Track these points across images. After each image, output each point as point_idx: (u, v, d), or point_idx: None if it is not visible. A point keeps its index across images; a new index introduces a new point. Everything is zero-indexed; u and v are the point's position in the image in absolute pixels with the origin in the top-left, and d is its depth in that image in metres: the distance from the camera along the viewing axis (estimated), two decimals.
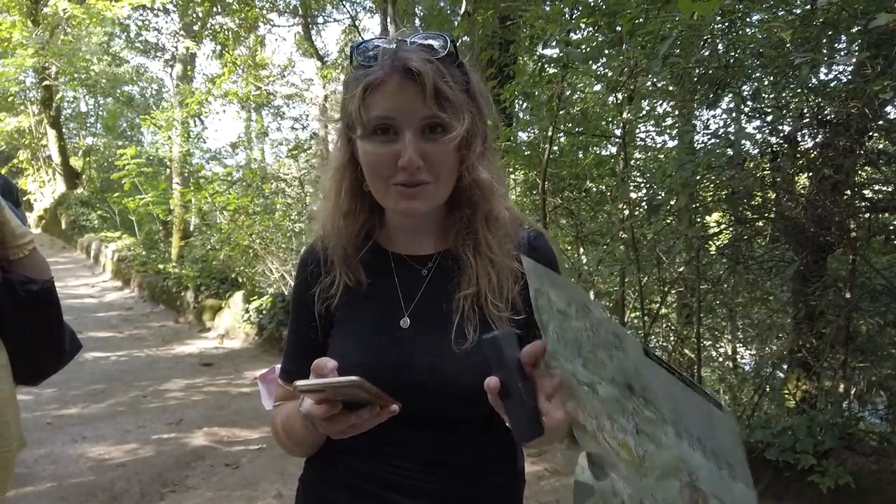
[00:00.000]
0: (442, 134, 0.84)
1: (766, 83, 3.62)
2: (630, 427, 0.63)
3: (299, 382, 0.72)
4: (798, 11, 3.53)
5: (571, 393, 0.68)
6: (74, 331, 1.63)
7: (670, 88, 4.44)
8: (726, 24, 3.37)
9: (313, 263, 0.98)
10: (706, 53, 3.57)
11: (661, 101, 5.47)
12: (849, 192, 3.83)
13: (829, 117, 3.47)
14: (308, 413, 0.76)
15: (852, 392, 3.76)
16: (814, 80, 3.42)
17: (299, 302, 0.99)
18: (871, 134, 3.66)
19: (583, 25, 4.17)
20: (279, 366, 1.05)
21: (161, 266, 9.27)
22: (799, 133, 3.70)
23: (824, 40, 3.19)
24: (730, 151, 3.74)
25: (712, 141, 4.17)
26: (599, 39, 4.10)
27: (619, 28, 3.80)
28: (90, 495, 3.20)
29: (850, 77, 3.56)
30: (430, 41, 0.85)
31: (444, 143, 0.84)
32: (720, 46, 3.52)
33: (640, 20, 3.48)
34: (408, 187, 0.85)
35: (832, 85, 3.60)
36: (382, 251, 0.96)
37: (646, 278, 4.96)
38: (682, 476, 0.59)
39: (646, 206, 4.28)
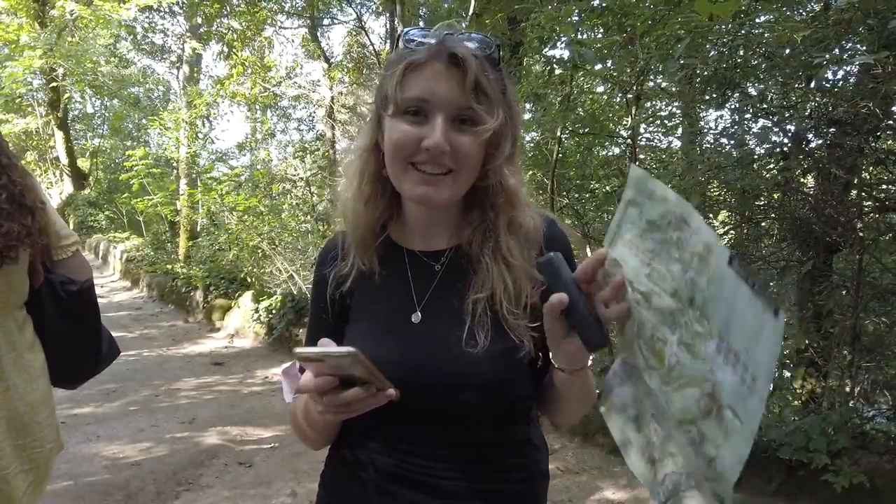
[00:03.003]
0: (472, 127, 0.84)
1: (772, 83, 3.64)
2: (674, 338, 0.67)
3: (298, 349, 0.72)
4: (808, 12, 3.55)
5: (623, 297, 0.73)
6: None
7: (675, 89, 4.46)
8: (737, 25, 3.38)
9: (332, 250, 0.99)
10: (713, 54, 3.59)
11: (667, 103, 5.49)
12: (855, 191, 3.84)
13: (837, 117, 3.48)
14: (304, 386, 0.75)
15: (856, 391, 3.77)
16: (822, 81, 3.43)
17: (316, 289, 1.01)
18: (878, 134, 3.66)
19: (592, 27, 4.18)
20: None
21: (169, 266, 9.33)
22: (807, 133, 3.72)
23: (834, 41, 3.20)
24: (735, 153, 3.76)
25: (720, 141, 4.19)
26: (609, 40, 4.12)
27: (629, 29, 3.81)
28: (106, 494, 3.23)
29: (856, 77, 3.57)
30: (478, 40, 0.86)
31: (475, 134, 0.84)
32: (730, 47, 3.53)
33: (650, 21, 3.49)
34: (429, 174, 0.85)
35: (840, 85, 3.61)
36: (396, 247, 0.96)
37: None
38: (705, 386, 0.65)
39: None
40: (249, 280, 7.87)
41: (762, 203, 4.08)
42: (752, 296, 0.61)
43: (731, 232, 4.52)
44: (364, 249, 0.94)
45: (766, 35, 3.42)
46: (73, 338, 1.52)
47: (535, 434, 0.95)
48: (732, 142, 3.94)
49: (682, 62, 3.19)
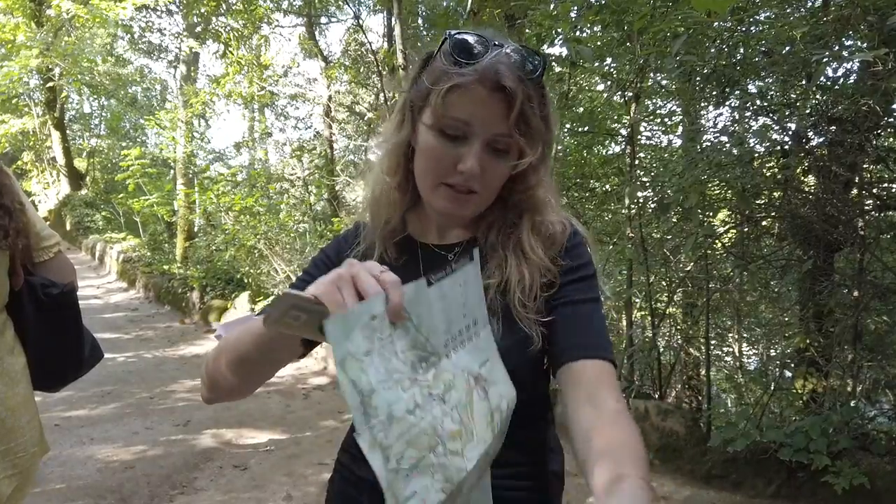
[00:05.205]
0: (506, 154, 0.85)
1: (771, 81, 3.61)
2: (439, 410, 0.65)
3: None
4: (807, 9, 3.51)
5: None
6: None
7: (675, 87, 4.43)
8: (736, 22, 3.35)
9: (352, 236, 1.01)
10: (713, 51, 3.56)
11: (667, 101, 5.46)
12: (856, 190, 3.81)
13: (837, 114, 3.45)
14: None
15: (858, 391, 3.74)
16: (822, 78, 3.40)
17: (321, 258, 0.99)
18: (878, 132, 3.64)
19: (590, 24, 4.15)
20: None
21: (166, 267, 9.28)
22: (808, 131, 3.69)
23: (833, 37, 3.17)
24: (735, 151, 3.73)
25: (719, 139, 4.16)
26: (608, 38, 4.08)
27: (626, 27, 3.78)
28: (99, 497, 3.20)
29: (856, 74, 3.54)
30: (528, 61, 0.83)
31: (507, 164, 0.85)
32: (729, 44, 3.50)
33: (649, 18, 3.46)
34: (458, 192, 0.85)
35: (840, 82, 3.58)
36: (410, 239, 0.97)
37: (653, 277, 4.94)
38: (469, 381, 0.69)
39: (655, 205, 4.27)
40: (246, 281, 7.83)
41: (763, 202, 4.06)
42: (453, 279, 0.68)
43: (732, 231, 4.50)
44: (387, 236, 0.96)
45: (764, 30, 3.39)
46: (54, 341, 1.48)
47: (550, 436, 0.95)
48: (732, 140, 3.91)
49: (679, 59, 3.16)
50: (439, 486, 0.63)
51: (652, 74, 4.70)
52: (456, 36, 0.83)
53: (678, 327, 5.77)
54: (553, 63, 4.01)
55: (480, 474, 0.69)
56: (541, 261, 0.87)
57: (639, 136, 5.86)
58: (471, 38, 0.83)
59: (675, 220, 4.51)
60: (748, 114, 3.95)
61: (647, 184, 5.17)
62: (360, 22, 10.16)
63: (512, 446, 0.86)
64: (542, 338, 0.85)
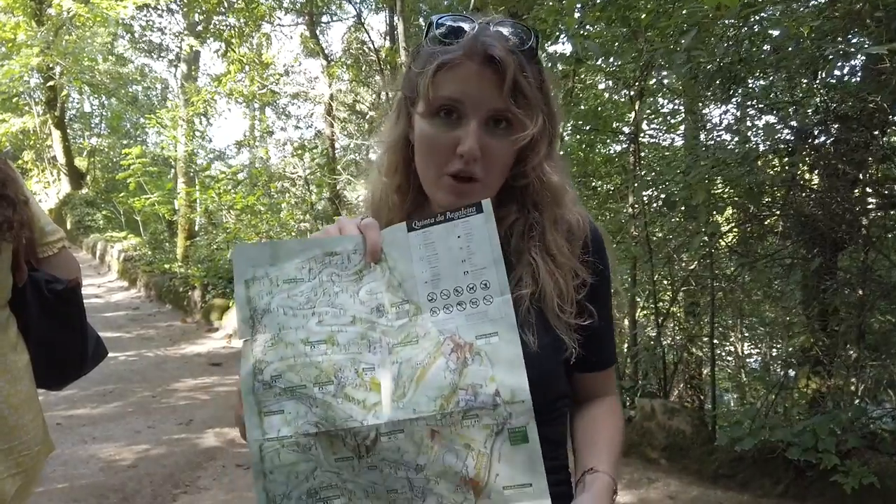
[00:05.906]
0: (506, 129, 0.80)
1: (776, 78, 3.59)
2: (377, 359, 0.67)
3: None
4: (815, 5, 3.49)
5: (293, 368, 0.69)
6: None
7: (679, 84, 4.41)
8: (742, 19, 3.33)
9: None
10: (721, 47, 3.53)
11: (671, 99, 5.44)
12: (861, 188, 3.79)
13: (843, 112, 3.43)
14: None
15: (860, 390, 3.72)
16: (824, 75, 3.38)
17: None
18: (885, 129, 3.61)
19: (595, 20, 4.12)
20: None
21: (167, 266, 9.27)
22: (813, 128, 3.67)
23: (842, 33, 3.15)
24: (736, 150, 3.71)
25: (723, 137, 4.14)
26: (612, 34, 4.06)
27: (631, 23, 3.76)
28: (102, 496, 3.18)
29: (862, 72, 3.52)
30: (515, 32, 0.80)
31: (509, 140, 0.80)
32: (736, 41, 3.47)
33: (655, 14, 3.44)
34: (459, 182, 0.81)
35: (846, 80, 3.56)
36: None
37: (656, 276, 4.93)
38: (444, 347, 0.67)
39: (660, 203, 4.25)
40: None
41: (767, 200, 4.04)
42: (448, 226, 0.68)
43: (736, 229, 4.48)
44: None
45: (771, 24, 3.37)
46: (58, 338, 1.45)
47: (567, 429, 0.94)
48: (739, 138, 3.89)
49: (687, 54, 3.13)
50: (314, 419, 0.66)
51: (654, 73, 4.69)
52: (439, 18, 0.82)
53: (681, 326, 5.75)
54: (556, 62, 4.00)
55: (420, 442, 0.66)
56: (568, 261, 0.84)
57: (642, 135, 5.84)
58: (453, 18, 0.81)
59: (677, 219, 4.49)
60: (752, 112, 3.93)
61: (651, 182, 5.14)
62: (362, 20, 10.14)
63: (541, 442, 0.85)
64: (577, 341, 0.83)
